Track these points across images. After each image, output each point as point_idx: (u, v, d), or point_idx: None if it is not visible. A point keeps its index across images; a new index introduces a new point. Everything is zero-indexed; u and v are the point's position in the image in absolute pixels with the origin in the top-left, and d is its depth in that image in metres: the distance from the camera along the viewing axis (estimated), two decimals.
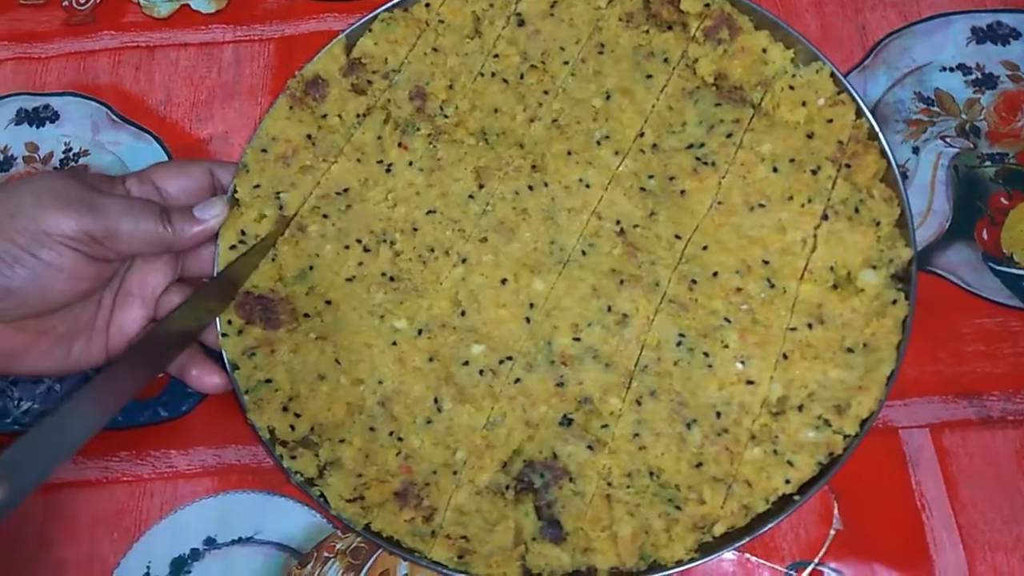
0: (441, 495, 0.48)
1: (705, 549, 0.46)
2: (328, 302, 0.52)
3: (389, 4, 0.56)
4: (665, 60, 0.55)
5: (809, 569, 0.51)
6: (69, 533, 0.53)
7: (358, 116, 0.55)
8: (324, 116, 0.55)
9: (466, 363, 0.50)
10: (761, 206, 0.51)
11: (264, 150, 0.54)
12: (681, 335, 0.50)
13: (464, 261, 0.52)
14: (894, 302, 0.49)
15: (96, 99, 0.65)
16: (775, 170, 0.52)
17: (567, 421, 0.49)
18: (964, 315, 0.56)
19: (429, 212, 0.53)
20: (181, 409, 0.56)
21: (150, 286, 0.52)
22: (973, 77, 0.62)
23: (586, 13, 0.57)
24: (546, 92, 0.55)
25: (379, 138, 0.54)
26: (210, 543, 0.53)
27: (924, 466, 0.52)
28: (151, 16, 0.68)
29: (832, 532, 0.52)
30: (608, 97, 0.55)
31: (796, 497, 0.46)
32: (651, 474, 0.48)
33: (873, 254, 0.50)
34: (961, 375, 0.54)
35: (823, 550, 0.51)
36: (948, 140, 0.60)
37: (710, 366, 0.49)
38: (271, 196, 0.53)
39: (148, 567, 0.52)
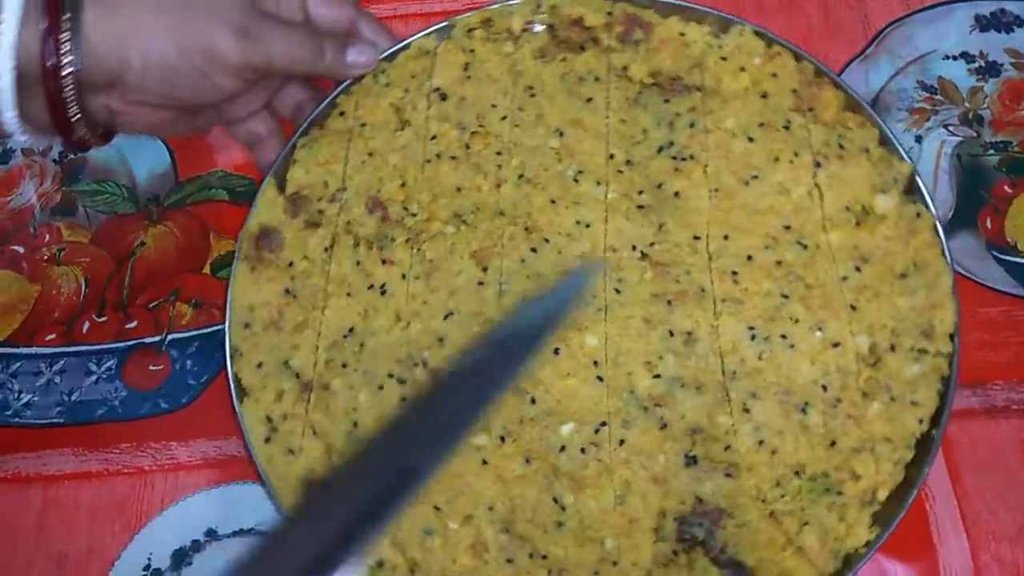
0: None
1: (881, 520, 0.45)
2: None
3: (302, 127, 0.53)
4: (596, 79, 0.54)
5: None
6: (70, 525, 0.53)
7: (325, 250, 0.51)
8: (290, 264, 0.51)
9: (563, 448, 0.46)
10: (755, 178, 0.50)
11: (247, 325, 0.50)
12: (750, 328, 0.48)
13: None
14: (918, 215, 0.48)
15: None
16: (750, 140, 0.51)
17: (692, 460, 0.46)
18: (968, 304, 0.55)
19: (447, 316, 0.49)
20: (182, 401, 0.56)
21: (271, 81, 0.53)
22: (976, 65, 0.62)
23: (500, 64, 0.54)
24: (499, 153, 0.52)
25: (358, 263, 0.50)
26: (211, 535, 0.53)
27: None
28: None
29: None
30: (561, 134, 0.52)
31: (933, 432, 0.45)
32: (796, 473, 0.45)
33: (876, 180, 0.49)
34: (965, 364, 0.53)
35: None
36: (951, 129, 0.60)
37: (792, 346, 0.47)
38: (280, 369, 0.49)
39: (149, 559, 0.52)
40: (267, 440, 0.48)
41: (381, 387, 0.48)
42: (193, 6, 0.46)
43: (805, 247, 0.49)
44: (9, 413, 0.57)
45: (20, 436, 0.56)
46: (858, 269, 0.48)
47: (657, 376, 0.47)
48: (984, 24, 0.63)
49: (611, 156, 0.52)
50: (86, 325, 0.59)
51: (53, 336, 0.59)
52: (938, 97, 0.61)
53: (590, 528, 0.45)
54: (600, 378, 0.47)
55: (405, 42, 0.54)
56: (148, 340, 0.58)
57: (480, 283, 0.50)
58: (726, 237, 0.50)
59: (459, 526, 0.46)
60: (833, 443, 0.46)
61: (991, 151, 0.59)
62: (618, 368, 0.48)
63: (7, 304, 0.60)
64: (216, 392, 0.56)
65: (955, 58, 0.62)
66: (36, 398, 0.57)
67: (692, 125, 0.52)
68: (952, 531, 0.50)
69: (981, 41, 0.62)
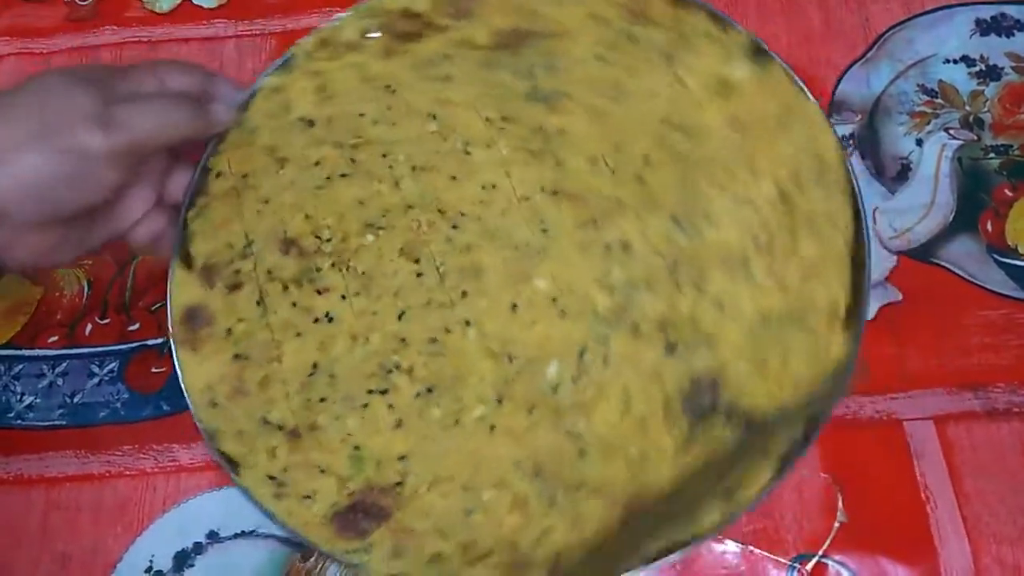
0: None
1: (851, 332, 0.48)
2: (402, 457, 0.48)
3: (186, 201, 0.52)
4: (444, 56, 0.55)
5: (813, 561, 0.51)
6: (72, 527, 0.53)
7: (257, 304, 0.51)
8: (229, 331, 0.50)
9: (556, 387, 0.48)
10: (622, 92, 0.54)
11: (214, 404, 0.49)
12: (673, 218, 0.51)
13: (468, 324, 0.50)
14: (771, 72, 0.52)
15: None
16: (604, 62, 0.54)
17: (671, 348, 0.49)
18: (968, 307, 0.56)
19: (400, 317, 0.50)
20: (184, 403, 0.56)
21: (156, 171, 0.51)
22: (977, 69, 0.62)
23: (351, 75, 0.55)
24: (384, 155, 0.53)
25: (294, 304, 0.51)
26: (213, 537, 0.53)
27: (929, 458, 0.52)
28: (153, 11, 0.68)
29: (836, 524, 0.51)
30: (434, 117, 0.54)
31: (865, 241, 0.49)
32: (763, 320, 0.49)
33: (724, 55, 0.53)
34: (966, 367, 0.54)
35: (827, 542, 0.51)
36: (952, 132, 0.60)
37: (714, 218, 0.51)
38: (261, 429, 0.49)
39: (151, 561, 0.52)
40: (278, 497, 0.47)
41: (366, 405, 0.49)
42: (46, 109, 0.45)
43: (689, 133, 0.52)
44: (11, 415, 0.57)
45: (22, 438, 0.56)
46: (741, 134, 0.52)
47: (612, 290, 0.50)
48: (984, 28, 0.63)
49: (487, 119, 0.54)
50: (88, 327, 0.59)
51: (56, 338, 0.59)
52: (939, 101, 0.61)
53: (611, 444, 0.47)
54: (564, 312, 0.50)
55: (254, 87, 0.54)
56: (150, 342, 0.58)
57: (419, 274, 0.51)
58: (619, 151, 0.53)
59: (494, 493, 0.47)
60: (783, 284, 0.49)
61: (992, 155, 0.59)
62: (573, 296, 0.50)
63: (10, 307, 0.60)
64: None
65: (956, 62, 0.62)
66: (38, 400, 0.57)
67: (548, 67, 0.55)
68: (953, 534, 0.50)
69: (982, 45, 0.62)
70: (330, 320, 0.51)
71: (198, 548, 0.53)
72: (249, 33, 0.67)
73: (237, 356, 0.50)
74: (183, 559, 0.52)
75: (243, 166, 0.53)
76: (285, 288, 0.51)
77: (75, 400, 0.57)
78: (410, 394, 0.49)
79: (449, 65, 0.56)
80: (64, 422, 0.56)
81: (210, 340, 0.50)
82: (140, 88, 0.49)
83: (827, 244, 0.49)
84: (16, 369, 0.58)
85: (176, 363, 0.50)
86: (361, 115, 0.55)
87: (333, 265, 0.52)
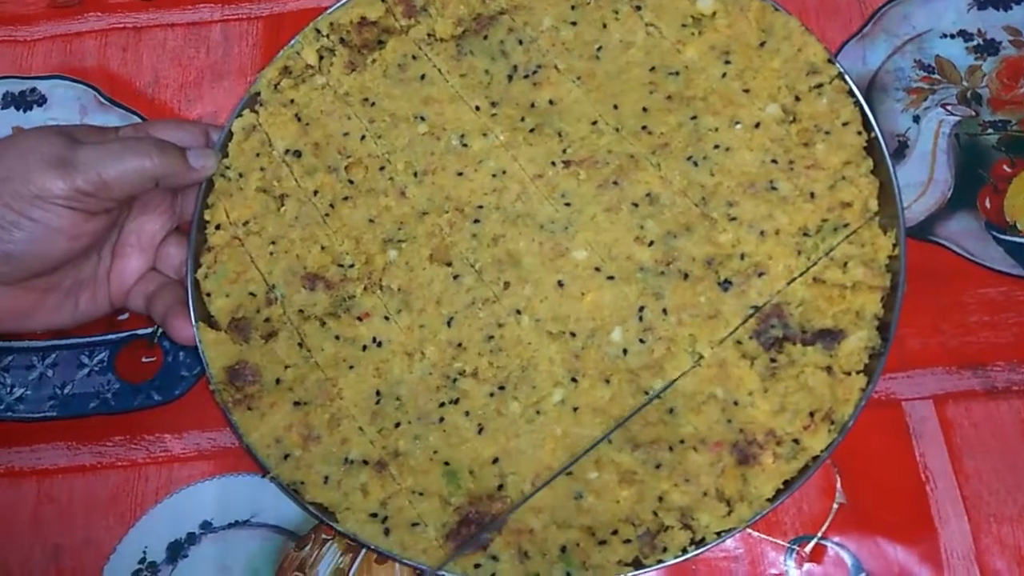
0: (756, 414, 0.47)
1: (887, 224, 0.49)
2: (495, 460, 0.48)
3: (189, 262, 0.51)
4: (413, 57, 0.55)
5: (812, 543, 0.50)
6: (64, 519, 0.53)
7: (299, 347, 0.50)
8: (278, 381, 0.49)
9: (625, 351, 0.48)
10: (599, 49, 0.54)
11: (286, 456, 0.48)
12: (688, 158, 0.51)
13: (519, 312, 0.49)
14: None
15: (83, 82, 0.64)
16: (574, 24, 0.55)
17: (726, 284, 0.49)
18: (967, 285, 0.55)
19: (449, 323, 0.50)
20: (175, 393, 0.56)
21: (148, 235, 0.52)
22: (974, 43, 0.61)
23: (324, 97, 0.55)
24: (381, 168, 0.53)
25: (337, 337, 0.50)
26: (207, 527, 0.53)
27: (928, 438, 0.52)
28: None
29: (835, 506, 0.51)
30: (423, 119, 0.54)
31: (873, 135, 0.50)
32: (804, 235, 0.49)
33: None
34: (965, 345, 0.54)
35: (826, 524, 0.51)
36: (949, 108, 0.59)
37: (728, 148, 0.51)
38: (346, 470, 0.48)
39: (145, 551, 0.52)
40: (387, 532, 0.47)
41: (442, 419, 0.48)
42: (8, 159, 0.45)
43: (677, 73, 0.53)
44: (2, 407, 0.56)
45: (13, 430, 0.56)
46: (727, 62, 0.53)
47: (651, 243, 0.50)
48: (982, 2, 0.62)
49: (476, 108, 0.54)
50: None
51: None
52: (936, 76, 0.60)
53: (695, 394, 0.48)
54: (612, 277, 0.50)
55: (225, 130, 0.54)
56: (141, 332, 0.58)
57: (455, 277, 0.51)
58: (615, 107, 0.53)
59: (599, 473, 0.47)
60: (812, 194, 0.50)
61: (990, 130, 0.58)
62: (615, 261, 0.50)
63: None
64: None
65: (953, 36, 0.61)
66: (29, 392, 0.56)
67: (520, 43, 0.55)
68: (953, 513, 0.50)
69: (979, 19, 0.61)
70: (379, 344, 0.50)
71: (192, 538, 0.52)
72: (235, 17, 0.66)
73: (297, 403, 0.49)
74: (177, 549, 0.52)
75: (240, 213, 0.53)
76: (323, 324, 0.50)
77: (65, 391, 0.56)
78: (483, 396, 0.48)
79: (420, 64, 0.55)
80: (55, 413, 0.56)
81: (263, 394, 0.49)
82: (110, 136, 0.49)
83: (843, 145, 0.50)
84: (6, 361, 0.57)
85: (234, 427, 0.48)
86: (345, 134, 0.54)
87: (365, 289, 0.51)
